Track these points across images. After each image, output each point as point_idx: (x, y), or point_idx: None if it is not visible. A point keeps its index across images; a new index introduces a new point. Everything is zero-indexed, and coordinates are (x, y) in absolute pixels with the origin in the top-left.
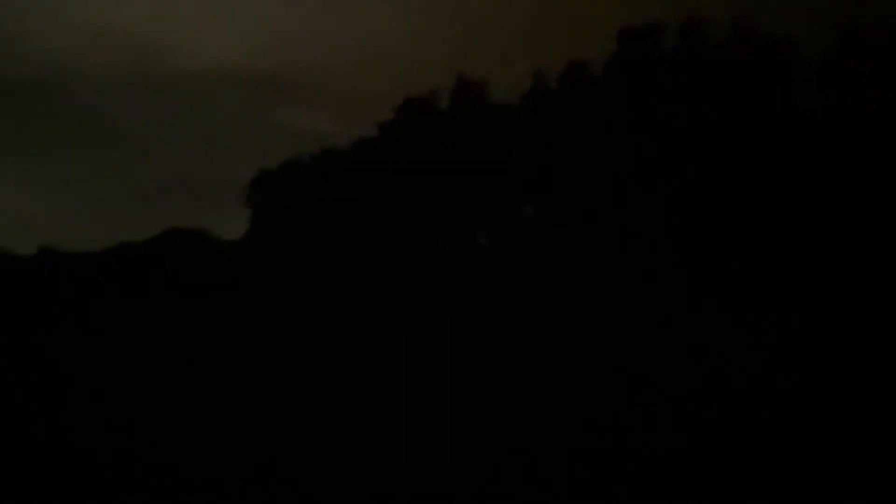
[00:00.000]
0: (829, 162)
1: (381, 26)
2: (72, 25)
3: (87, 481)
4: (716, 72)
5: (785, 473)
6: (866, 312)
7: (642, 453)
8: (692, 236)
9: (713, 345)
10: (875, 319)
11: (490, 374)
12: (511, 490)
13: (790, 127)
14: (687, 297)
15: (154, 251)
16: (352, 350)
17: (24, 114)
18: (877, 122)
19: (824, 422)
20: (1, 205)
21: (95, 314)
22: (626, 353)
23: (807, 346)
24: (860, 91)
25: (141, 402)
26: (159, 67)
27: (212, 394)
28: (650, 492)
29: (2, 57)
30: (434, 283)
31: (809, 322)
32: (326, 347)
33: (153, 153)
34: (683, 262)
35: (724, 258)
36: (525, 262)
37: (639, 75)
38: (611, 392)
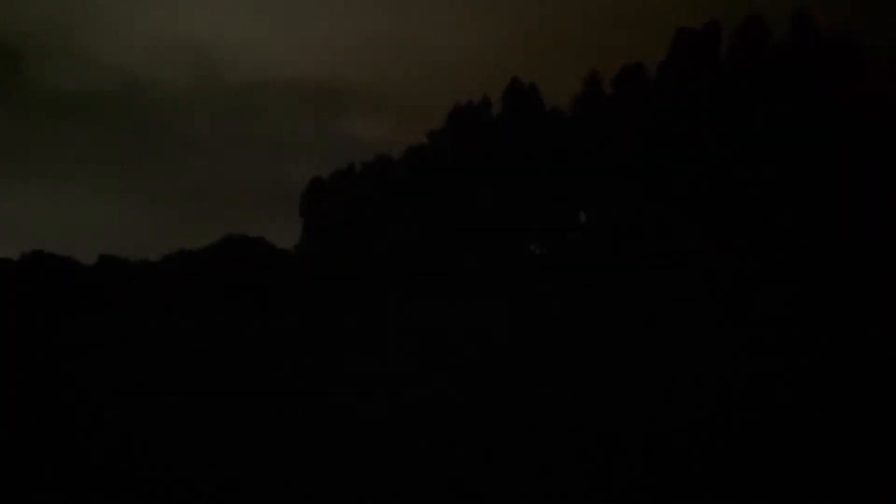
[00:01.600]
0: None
1: (438, 37)
2: (144, 39)
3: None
4: (775, 72)
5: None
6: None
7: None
8: (754, 236)
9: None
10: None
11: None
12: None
13: (855, 125)
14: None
15: (212, 259)
16: (404, 353)
17: (94, 124)
18: None
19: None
20: (64, 213)
21: (153, 320)
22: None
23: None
24: None
25: (197, 408)
26: (225, 79)
27: (265, 399)
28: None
29: (78, 70)
30: (487, 285)
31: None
32: (380, 352)
33: (214, 163)
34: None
35: (788, 254)
36: (579, 264)
37: (695, 77)
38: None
